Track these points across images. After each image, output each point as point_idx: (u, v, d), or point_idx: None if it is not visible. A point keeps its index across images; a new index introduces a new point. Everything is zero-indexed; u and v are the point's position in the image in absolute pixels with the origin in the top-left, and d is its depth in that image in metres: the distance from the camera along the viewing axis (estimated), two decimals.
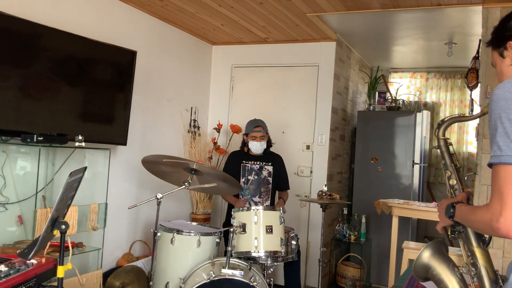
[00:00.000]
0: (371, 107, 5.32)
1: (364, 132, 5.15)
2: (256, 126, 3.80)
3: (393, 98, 5.33)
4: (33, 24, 2.87)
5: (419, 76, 6.06)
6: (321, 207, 3.42)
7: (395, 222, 4.04)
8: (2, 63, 2.74)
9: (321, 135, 4.64)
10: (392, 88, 5.83)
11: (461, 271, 1.46)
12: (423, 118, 5.07)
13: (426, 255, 1.53)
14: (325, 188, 3.49)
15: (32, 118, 2.93)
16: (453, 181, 1.58)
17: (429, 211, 3.91)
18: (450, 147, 1.63)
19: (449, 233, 1.51)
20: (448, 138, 1.65)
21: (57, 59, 3.08)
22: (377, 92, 5.47)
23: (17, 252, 1.98)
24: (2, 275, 1.87)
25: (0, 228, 2.89)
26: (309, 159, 4.70)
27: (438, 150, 1.64)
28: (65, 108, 3.15)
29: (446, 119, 1.62)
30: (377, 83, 5.56)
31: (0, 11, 2.68)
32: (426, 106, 5.93)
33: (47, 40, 2.99)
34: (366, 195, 5.02)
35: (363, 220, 4.81)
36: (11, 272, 1.92)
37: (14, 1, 2.91)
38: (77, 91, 3.24)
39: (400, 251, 3.78)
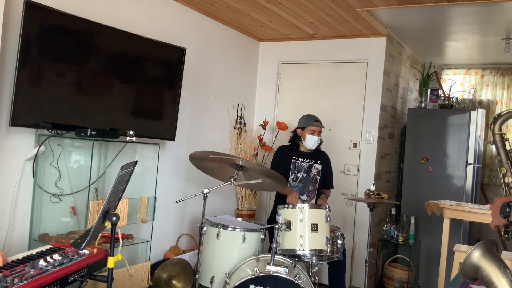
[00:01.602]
0: (423, 105, 5.15)
1: (414, 130, 4.99)
2: (316, 121, 3.74)
3: (446, 95, 5.13)
4: (88, 22, 2.97)
5: (473, 73, 5.80)
6: (368, 206, 3.35)
7: (446, 224, 3.90)
8: (59, 60, 2.86)
9: (369, 133, 4.54)
10: (445, 85, 5.62)
11: None
12: (477, 117, 4.85)
13: (476, 255, 1.47)
14: (373, 187, 3.42)
15: (86, 114, 3.04)
16: (509, 179, 1.51)
17: (483, 214, 3.74)
18: (507, 143, 1.55)
19: (502, 233, 1.44)
20: (505, 134, 1.57)
21: (110, 56, 3.18)
22: (429, 89, 5.28)
23: (70, 242, 2.06)
24: (56, 264, 1.94)
25: (54, 219, 3.02)
26: (356, 157, 4.61)
27: (493, 146, 1.56)
28: (117, 104, 3.24)
29: (503, 113, 1.55)
30: (429, 80, 5.36)
31: (57, 9, 2.79)
32: (481, 104, 5.67)
33: (101, 38, 3.09)
34: (416, 195, 4.87)
35: (412, 221, 4.68)
36: (64, 261, 2.00)
37: (72, 0, 3.02)
38: (128, 88, 3.33)
39: (451, 254, 3.64)
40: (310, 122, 3.73)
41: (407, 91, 5.46)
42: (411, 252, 4.66)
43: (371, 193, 3.37)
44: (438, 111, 4.97)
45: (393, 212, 4.79)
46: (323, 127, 3.80)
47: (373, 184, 3.51)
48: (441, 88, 5.53)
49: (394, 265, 4.68)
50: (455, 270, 3.45)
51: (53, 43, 2.80)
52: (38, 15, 2.68)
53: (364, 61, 4.60)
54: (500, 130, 1.56)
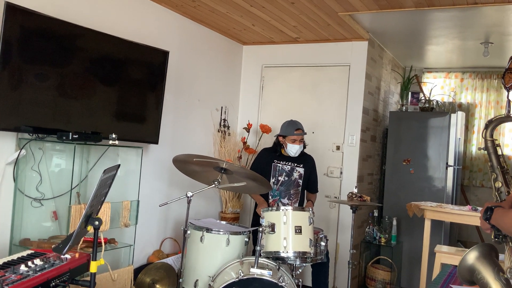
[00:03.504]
0: (404, 108, 5.23)
1: (396, 133, 5.06)
2: (297, 129, 3.69)
3: (427, 98, 5.22)
4: (70, 25, 2.95)
5: (453, 76, 5.91)
6: (351, 208, 3.38)
7: (427, 225, 3.95)
8: (40, 63, 2.83)
9: (351, 135, 4.59)
10: (426, 89, 5.71)
11: (506, 276, 1.41)
12: (457, 120, 4.94)
13: (472, 257, 1.49)
14: (356, 190, 3.45)
15: (68, 117, 3.01)
16: (499, 184, 1.54)
17: (463, 215, 3.81)
18: (498, 149, 1.58)
19: (492, 237, 1.47)
20: (496, 139, 1.60)
21: (92, 59, 3.15)
22: (410, 93, 5.37)
23: (52, 247, 2.04)
24: (38, 269, 1.92)
25: (35, 223, 2.98)
26: (339, 160, 4.65)
27: (485, 151, 1.60)
28: (99, 107, 3.22)
29: (493, 119, 1.58)
30: (410, 83, 5.45)
31: (38, 12, 2.77)
32: (461, 107, 5.77)
33: (83, 41, 3.07)
34: (398, 197, 4.94)
35: (394, 222, 4.73)
36: (46, 266, 1.98)
37: (51, 2, 2.99)
38: (111, 91, 3.31)
39: (432, 255, 3.70)
40: (291, 131, 3.68)
41: (388, 94, 5.53)
42: (393, 253, 4.71)
43: (354, 196, 3.41)
44: (419, 114, 5.04)
45: (376, 214, 4.84)
46: (305, 133, 3.77)
47: (356, 187, 3.55)
48: (422, 91, 5.62)
49: (376, 266, 4.72)
50: (436, 271, 3.50)
51: (35, 45, 2.78)
52: (19, 17, 2.65)
53: (347, 64, 4.65)
54: (491, 136, 1.59)
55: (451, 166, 4.85)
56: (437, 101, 5.17)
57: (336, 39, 4.68)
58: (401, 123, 5.04)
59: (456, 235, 5.46)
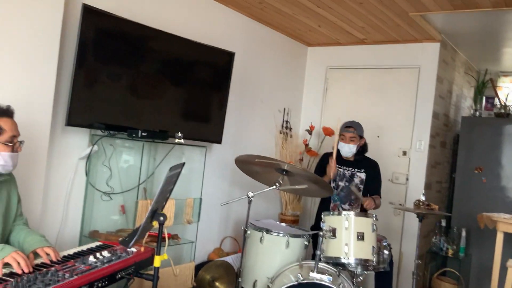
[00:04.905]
0: (477, 113, 4.95)
1: (468, 139, 4.80)
2: (347, 126, 3.61)
3: (502, 103, 4.90)
4: (142, 26, 3.06)
5: None
6: (417, 217, 3.24)
7: (499, 238, 3.71)
8: (113, 63, 2.95)
9: (419, 141, 4.40)
10: (501, 93, 5.36)
11: None
12: None
13: None
14: (423, 198, 3.30)
15: (138, 115, 3.12)
16: None
17: None
18: None
19: None
20: None
21: (162, 60, 3.25)
22: (484, 97, 5.07)
23: (119, 240, 2.12)
24: (105, 261, 2.00)
25: (104, 216, 3.12)
26: (406, 165, 4.48)
27: None
28: (167, 107, 3.31)
29: None
30: (484, 87, 5.14)
31: (113, 14, 2.89)
32: None
33: (154, 42, 3.17)
34: (468, 207, 4.68)
35: (463, 233, 4.50)
36: (113, 258, 2.05)
37: (123, 4, 3.12)
38: (179, 91, 3.40)
39: (503, 269, 3.47)
40: (342, 127, 3.61)
41: (460, 99, 5.27)
42: (461, 266, 4.48)
43: (421, 204, 3.26)
44: (493, 119, 4.76)
45: (443, 224, 4.62)
46: (360, 135, 3.61)
47: (423, 194, 3.39)
48: (497, 96, 5.29)
49: (442, 279, 4.51)
50: (508, 287, 3.28)
51: (108, 46, 2.90)
52: (95, 19, 2.79)
53: (416, 67, 4.48)
54: None
55: None
56: None
57: (405, 40, 4.51)
58: (473, 129, 4.78)
59: None
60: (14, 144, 2.03)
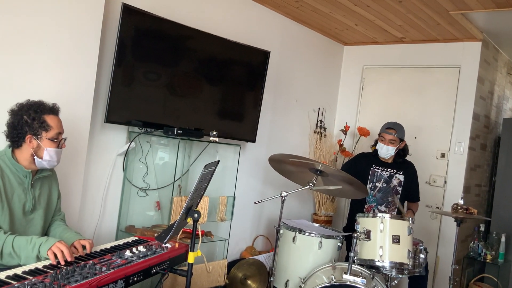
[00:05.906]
0: None
1: (509, 142, 4.63)
2: (389, 128, 3.53)
3: None
4: (179, 26, 3.10)
5: None
6: (455, 221, 3.15)
7: None
8: (152, 62, 3.01)
9: (459, 142, 4.28)
10: None
11: None
12: None
13: None
14: (462, 201, 3.21)
15: (175, 113, 3.17)
16: None
17: None
18: None
19: None
20: None
21: (200, 59, 3.29)
22: None
23: (155, 235, 2.16)
24: (141, 255, 2.04)
25: (140, 212, 3.19)
26: (444, 168, 4.36)
27: None
28: (203, 105, 3.35)
29: None
30: None
31: (152, 13, 2.94)
32: None
33: (191, 41, 3.21)
34: (508, 211, 4.52)
35: (503, 239, 4.34)
36: (148, 253, 2.09)
37: (161, 3, 3.16)
38: (215, 90, 3.43)
39: None
40: (383, 128, 3.55)
41: (502, 100, 5.08)
42: (500, 272, 4.33)
43: (459, 207, 3.17)
44: None
45: (482, 229, 4.47)
46: (400, 138, 3.53)
47: (462, 198, 3.29)
48: None
49: (480, 285, 4.37)
50: None
51: (147, 45, 2.96)
52: (134, 18, 2.85)
53: (456, 66, 4.35)
54: None
55: None
56: None
57: (445, 39, 4.39)
58: None
59: None
60: (59, 140, 2.10)
